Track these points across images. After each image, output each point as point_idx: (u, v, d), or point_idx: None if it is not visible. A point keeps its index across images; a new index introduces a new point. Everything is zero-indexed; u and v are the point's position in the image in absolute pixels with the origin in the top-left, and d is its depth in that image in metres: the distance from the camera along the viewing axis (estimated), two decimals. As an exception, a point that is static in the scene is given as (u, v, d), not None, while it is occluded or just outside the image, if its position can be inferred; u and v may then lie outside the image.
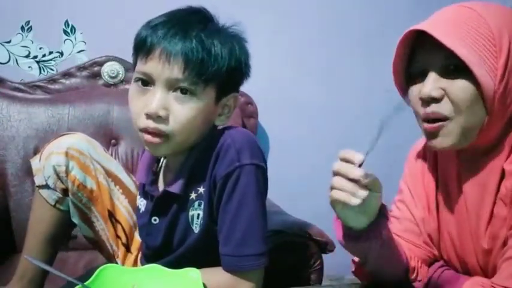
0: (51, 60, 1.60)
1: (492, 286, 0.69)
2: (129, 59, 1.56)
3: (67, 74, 1.53)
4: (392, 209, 0.89)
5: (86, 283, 0.70)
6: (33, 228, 0.92)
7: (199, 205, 0.84)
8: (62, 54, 1.60)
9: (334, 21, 1.80)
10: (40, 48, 1.58)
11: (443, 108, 0.71)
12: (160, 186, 0.90)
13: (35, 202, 0.93)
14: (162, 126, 0.77)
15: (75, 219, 0.94)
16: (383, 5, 1.83)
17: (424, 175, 0.86)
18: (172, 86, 0.76)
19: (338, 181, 0.66)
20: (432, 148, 0.76)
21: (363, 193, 0.64)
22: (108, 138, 1.43)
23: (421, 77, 0.74)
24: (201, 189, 0.83)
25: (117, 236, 0.97)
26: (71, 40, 1.60)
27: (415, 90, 0.75)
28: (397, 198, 0.90)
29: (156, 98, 0.76)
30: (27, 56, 1.58)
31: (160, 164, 0.93)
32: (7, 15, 1.55)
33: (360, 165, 0.65)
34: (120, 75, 1.54)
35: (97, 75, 1.53)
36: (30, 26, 1.56)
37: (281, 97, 1.76)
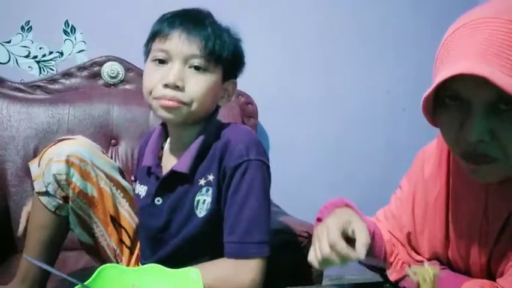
0: (51, 60, 1.60)
1: (496, 286, 0.68)
2: (129, 59, 1.57)
3: (67, 74, 1.53)
4: (391, 201, 0.89)
5: (86, 283, 0.70)
6: (33, 234, 0.92)
7: (207, 191, 0.88)
8: (62, 54, 1.60)
9: (333, 21, 1.80)
10: (40, 48, 1.58)
11: (491, 150, 0.62)
12: (165, 168, 0.93)
13: (34, 207, 0.93)
14: (178, 94, 0.84)
15: (74, 225, 0.94)
16: (382, 3, 1.83)
17: (432, 179, 0.82)
18: (188, 61, 0.85)
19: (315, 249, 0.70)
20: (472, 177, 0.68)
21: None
22: (108, 138, 1.43)
23: (457, 104, 0.63)
24: (210, 177, 0.88)
25: (121, 241, 0.98)
26: (71, 40, 1.60)
27: (449, 123, 0.65)
28: (396, 194, 0.89)
29: (175, 70, 0.84)
30: (27, 56, 1.58)
31: (164, 149, 0.97)
32: (7, 15, 1.55)
33: None
34: (120, 75, 1.54)
35: (97, 75, 1.53)
36: (30, 26, 1.56)
37: (281, 97, 1.76)
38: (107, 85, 1.54)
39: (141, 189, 0.96)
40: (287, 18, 1.75)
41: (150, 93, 0.86)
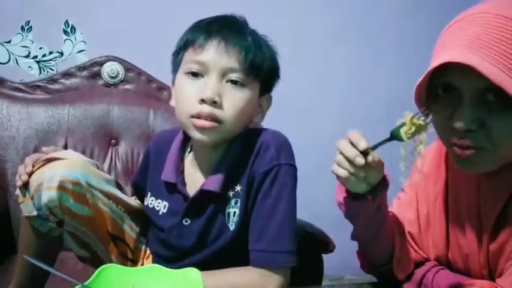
0: (51, 60, 1.60)
1: (495, 287, 0.68)
2: (129, 59, 1.57)
3: (67, 74, 1.53)
4: (392, 204, 0.90)
5: (86, 283, 0.70)
6: (24, 253, 0.85)
7: (236, 203, 0.84)
8: (62, 54, 1.60)
9: (334, 22, 1.80)
10: (40, 48, 1.59)
11: (479, 140, 0.64)
12: (190, 185, 0.88)
13: (23, 227, 0.86)
14: (216, 111, 0.78)
15: (70, 245, 0.89)
16: (384, 5, 1.83)
17: (431, 180, 0.84)
18: (225, 75, 0.79)
19: (340, 159, 0.70)
20: (460, 169, 0.71)
21: (361, 173, 0.69)
22: (108, 138, 1.43)
23: (448, 95, 0.67)
24: (238, 187, 0.84)
25: (122, 254, 0.93)
26: (71, 40, 1.60)
27: (444, 112, 0.67)
28: (400, 197, 0.90)
29: (212, 85, 0.78)
30: (27, 56, 1.58)
31: (185, 161, 0.91)
32: (7, 15, 1.55)
33: (364, 152, 0.68)
34: (120, 75, 1.54)
35: (97, 75, 1.53)
36: (30, 26, 1.57)
37: (281, 97, 1.75)
38: (107, 85, 1.53)
39: (158, 204, 0.90)
40: (287, 19, 1.75)
41: (185, 110, 0.80)
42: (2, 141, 1.37)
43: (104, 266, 0.73)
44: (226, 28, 0.81)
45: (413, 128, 0.66)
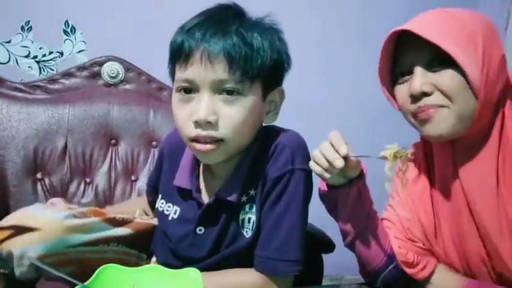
0: (51, 60, 1.60)
1: None
2: (129, 59, 1.57)
3: (67, 74, 1.53)
4: (384, 213, 0.92)
5: (86, 283, 0.70)
6: None
7: (251, 208, 0.81)
8: (62, 54, 1.60)
9: (334, 21, 1.80)
10: (40, 48, 1.59)
11: (436, 100, 0.74)
12: (204, 192, 0.85)
13: None
14: (213, 132, 0.73)
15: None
16: (383, 4, 1.83)
17: (417, 179, 0.87)
18: (217, 88, 0.73)
19: (318, 157, 0.75)
20: (427, 136, 0.78)
21: (335, 171, 0.74)
22: (108, 138, 1.43)
23: (407, 75, 0.77)
24: (252, 192, 0.81)
25: None
26: (71, 40, 1.60)
27: (403, 89, 0.78)
28: (388, 203, 0.92)
29: (203, 104, 0.72)
30: (27, 56, 1.58)
31: (201, 167, 0.88)
32: (7, 15, 1.55)
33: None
34: (120, 75, 1.54)
35: (97, 75, 1.53)
36: (30, 26, 1.57)
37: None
38: (107, 85, 1.53)
39: (168, 208, 0.87)
40: (288, 18, 1.75)
41: (183, 134, 0.76)
42: (2, 141, 1.37)
43: (104, 266, 0.73)
44: (210, 32, 0.72)
45: (397, 159, 0.75)
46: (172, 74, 0.78)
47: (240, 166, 0.81)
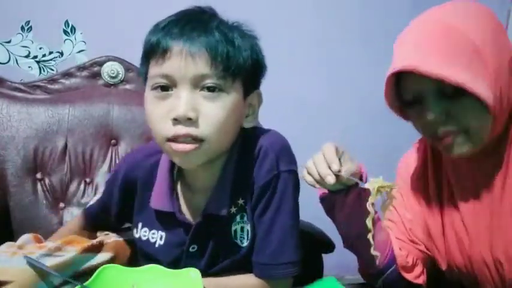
0: (51, 60, 1.60)
1: None
2: (129, 59, 1.57)
3: (67, 74, 1.53)
4: (385, 214, 0.91)
5: (85, 283, 0.70)
6: None
7: (242, 218, 0.79)
8: (62, 54, 1.60)
9: (334, 20, 1.80)
10: (40, 48, 1.58)
11: (452, 126, 0.72)
12: (188, 211, 0.81)
13: None
14: (193, 130, 0.68)
15: None
16: (383, 4, 1.83)
17: (422, 180, 0.86)
18: (198, 84, 0.69)
19: (311, 168, 0.74)
20: (451, 157, 0.77)
21: (327, 185, 0.73)
22: (108, 138, 1.43)
23: (416, 101, 0.74)
24: (241, 201, 0.79)
25: None
26: (71, 40, 1.60)
27: (415, 115, 0.76)
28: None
29: (183, 99, 0.67)
30: (27, 56, 1.58)
31: (178, 184, 0.83)
32: (7, 15, 1.55)
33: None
34: (120, 75, 1.54)
35: (97, 75, 1.53)
36: (30, 26, 1.56)
37: (281, 96, 1.76)
38: (107, 85, 1.53)
39: (153, 236, 0.82)
40: (288, 18, 1.75)
41: (159, 133, 0.70)
42: (2, 141, 1.37)
43: (104, 266, 0.73)
44: (189, 27, 0.69)
45: (381, 193, 0.71)
46: (144, 74, 0.74)
47: (224, 177, 0.77)
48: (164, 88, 0.70)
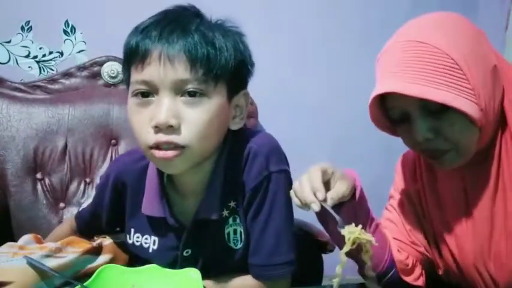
0: (51, 60, 1.60)
1: None
2: (129, 59, 1.56)
3: (67, 74, 1.53)
4: (384, 213, 0.91)
5: (85, 283, 0.70)
6: None
7: (234, 220, 0.79)
8: (62, 54, 1.60)
9: (334, 20, 1.80)
10: (40, 48, 1.58)
11: (440, 144, 0.72)
12: (179, 216, 0.80)
13: None
14: (175, 138, 0.67)
15: None
16: (383, 4, 1.83)
17: (417, 181, 0.86)
18: (179, 89, 0.67)
19: (298, 192, 0.69)
20: (442, 169, 0.78)
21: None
22: (108, 138, 1.43)
23: (403, 120, 0.74)
24: (232, 204, 0.78)
25: None
26: (71, 40, 1.60)
27: (404, 131, 0.76)
28: (389, 203, 0.92)
29: (164, 106, 0.66)
30: (27, 56, 1.58)
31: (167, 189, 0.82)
32: (7, 15, 1.54)
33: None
34: (120, 75, 1.54)
35: (97, 75, 1.53)
36: (30, 26, 1.56)
37: (281, 97, 1.76)
38: (107, 85, 1.53)
39: (146, 241, 0.82)
40: (288, 18, 1.75)
41: (142, 140, 0.69)
42: (2, 141, 1.37)
43: (104, 266, 0.73)
44: (167, 30, 0.67)
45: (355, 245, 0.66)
46: (127, 79, 0.72)
47: (214, 180, 0.76)
48: (145, 94, 0.68)
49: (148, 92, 0.68)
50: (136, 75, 0.68)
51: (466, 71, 0.67)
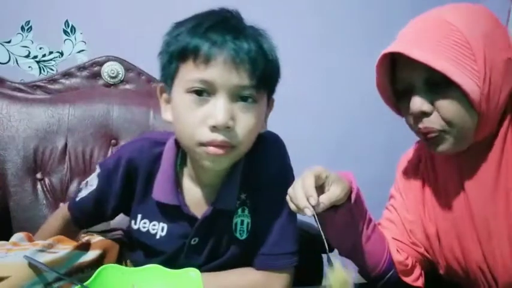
0: (51, 60, 1.60)
1: None
2: (129, 59, 1.57)
3: (67, 74, 1.53)
4: (385, 213, 0.91)
5: (85, 283, 0.70)
6: None
7: (243, 211, 0.82)
8: (62, 54, 1.60)
9: (335, 21, 1.80)
10: (40, 48, 1.58)
11: (435, 122, 0.72)
12: (193, 205, 0.82)
13: None
14: (229, 138, 0.71)
15: None
16: (384, 3, 1.83)
17: (419, 181, 0.86)
18: (236, 93, 0.71)
19: (293, 198, 0.71)
20: (433, 153, 0.78)
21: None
22: (108, 138, 1.43)
23: (407, 92, 0.75)
24: (243, 196, 0.82)
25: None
26: (71, 40, 1.60)
27: (406, 106, 0.76)
28: (389, 203, 0.92)
29: (223, 108, 0.69)
30: (27, 56, 1.58)
31: (183, 178, 0.84)
32: (7, 15, 1.55)
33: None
34: (120, 75, 1.54)
35: (97, 75, 1.53)
36: (30, 26, 1.56)
37: (282, 97, 1.75)
38: (107, 85, 1.53)
39: (154, 227, 0.83)
40: (288, 17, 1.75)
41: (192, 137, 0.72)
42: (2, 141, 1.37)
43: (103, 266, 0.73)
44: (231, 36, 0.70)
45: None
46: (172, 73, 0.74)
47: (233, 173, 0.80)
48: (199, 92, 0.71)
49: (203, 91, 0.70)
50: (195, 73, 0.70)
51: (476, 52, 0.67)
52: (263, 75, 0.72)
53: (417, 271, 0.86)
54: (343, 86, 1.85)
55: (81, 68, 1.54)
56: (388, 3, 1.84)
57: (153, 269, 0.75)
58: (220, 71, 0.69)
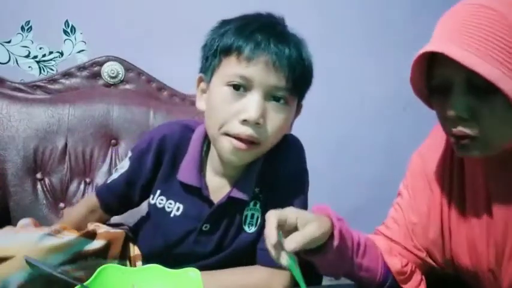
0: (51, 60, 1.60)
1: None
2: (129, 59, 1.57)
3: (67, 74, 1.53)
4: (391, 211, 0.89)
5: (85, 283, 0.70)
6: None
7: (255, 205, 0.85)
8: (62, 54, 1.60)
9: (335, 21, 1.80)
10: (40, 48, 1.59)
11: (471, 129, 0.65)
12: (212, 190, 0.85)
13: None
14: (257, 134, 0.74)
15: None
16: (385, 4, 1.83)
17: (434, 180, 0.82)
18: (270, 93, 0.75)
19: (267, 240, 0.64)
20: (460, 156, 0.74)
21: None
22: (108, 138, 1.43)
23: (444, 89, 0.68)
24: (257, 189, 0.85)
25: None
26: (71, 40, 1.60)
27: (439, 105, 0.70)
28: (396, 201, 0.89)
29: (257, 105, 0.73)
30: (27, 56, 1.58)
31: (207, 164, 0.87)
32: (7, 15, 1.55)
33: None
34: (120, 75, 1.54)
35: (97, 75, 1.53)
36: (30, 26, 1.57)
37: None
38: (107, 85, 1.53)
39: (170, 205, 0.86)
40: (289, 18, 1.75)
41: (222, 127, 0.75)
42: (2, 141, 1.37)
43: (103, 266, 0.73)
44: (274, 39, 0.74)
45: None
46: (214, 66, 0.77)
47: (252, 166, 0.83)
48: (236, 87, 0.74)
49: (241, 86, 0.74)
50: (237, 69, 0.74)
51: None
52: (298, 80, 0.75)
53: (417, 276, 0.84)
54: (343, 86, 1.85)
55: (81, 68, 1.54)
56: (388, 3, 1.84)
57: (153, 269, 0.75)
58: (260, 70, 0.73)
